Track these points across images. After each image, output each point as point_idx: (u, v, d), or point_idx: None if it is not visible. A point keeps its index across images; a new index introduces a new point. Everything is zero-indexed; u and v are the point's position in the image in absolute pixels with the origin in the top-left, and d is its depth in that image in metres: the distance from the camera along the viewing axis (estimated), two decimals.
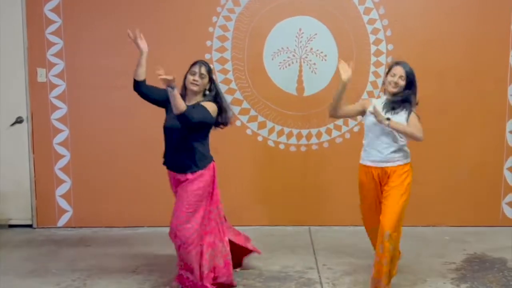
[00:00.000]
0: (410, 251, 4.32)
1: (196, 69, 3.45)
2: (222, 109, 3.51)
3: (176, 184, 3.53)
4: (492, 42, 4.80)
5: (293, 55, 4.84)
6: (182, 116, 3.21)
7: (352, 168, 4.94)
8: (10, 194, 4.99)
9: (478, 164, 4.91)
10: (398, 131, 3.39)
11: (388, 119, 3.35)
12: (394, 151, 3.47)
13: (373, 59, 4.84)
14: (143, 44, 3.48)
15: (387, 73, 3.54)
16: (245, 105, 4.90)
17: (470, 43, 4.81)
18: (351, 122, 4.89)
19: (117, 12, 4.84)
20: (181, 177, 3.46)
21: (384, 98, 3.56)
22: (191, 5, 4.82)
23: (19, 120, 4.93)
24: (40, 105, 4.90)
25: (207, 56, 4.84)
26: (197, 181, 3.44)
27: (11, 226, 5.03)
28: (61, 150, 4.94)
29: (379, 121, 3.35)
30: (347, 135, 4.91)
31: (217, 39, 4.85)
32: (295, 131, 4.92)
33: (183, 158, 3.44)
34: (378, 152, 3.48)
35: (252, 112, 4.91)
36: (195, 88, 3.43)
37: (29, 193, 4.99)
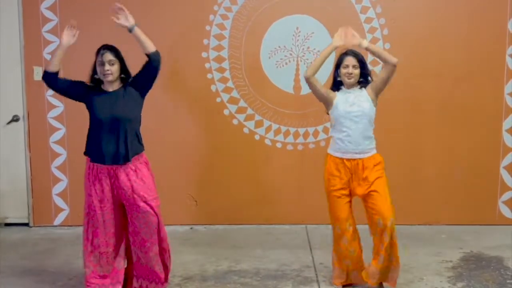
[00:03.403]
0: (407, 249, 4.33)
1: (103, 58, 3.23)
2: None
3: (111, 180, 3.27)
4: (489, 41, 4.80)
5: (290, 54, 4.84)
6: (155, 56, 3.21)
7: None
8: (6, 192, 4.98)
9: (474, 163, 4.91)
10: (374, 52, 3.49)
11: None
12: (368, 141, 3.47)
13: (370, 57, 4.83)
14: (66, 38, 3.30)
15: (337, 66, 3.49)
16: (242, 103, 4.90)
17: (467, 42, 4.81)
18: None
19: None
20: (125, 167, 3.24)
21: (347, 89, 3.49)
22: (188, 3, 4.81)
23: (15, 119, 4.92)
24: (37, 104, 4.89)
25: (204, 55, 4.84)
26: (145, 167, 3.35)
27: (7, 224, 5.02)
28: (57, 148, 4.93)
29: (358, 44, 3.40)
30: None
31: (214, 37, 4.84)
32: (292, 130, 4.92)
33: (126, 145, 3.23)
34: (351, 143, 3.42)
35: (249, 111, 4.91)
36: (109, 78, 3.23)
37: (26, 192, 4.98)
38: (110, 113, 3.22)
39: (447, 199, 4.95)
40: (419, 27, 4.80)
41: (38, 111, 4.89)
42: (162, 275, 3.39)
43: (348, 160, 3.44)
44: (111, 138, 3.22)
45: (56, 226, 5.00)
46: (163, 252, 3.40)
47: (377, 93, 3.53)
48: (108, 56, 3.24)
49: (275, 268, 3.95)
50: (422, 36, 4.80)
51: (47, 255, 4.27)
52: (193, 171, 4.98)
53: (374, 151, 3.51)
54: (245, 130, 4.93)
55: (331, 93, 3.51)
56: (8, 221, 5.04)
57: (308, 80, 3.46)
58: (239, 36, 4.84)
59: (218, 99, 4.89)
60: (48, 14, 4.81)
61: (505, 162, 4.92)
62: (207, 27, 4.83)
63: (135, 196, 3.23)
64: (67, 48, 3.30)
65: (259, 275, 3.81)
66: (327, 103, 3.52)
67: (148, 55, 3.24)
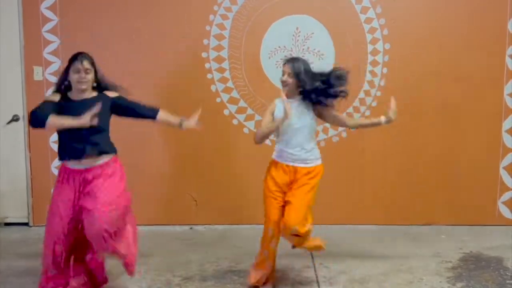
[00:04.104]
0: (406, 249, 4.34)
1: (79, 65, 3.17)
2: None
3: (81, 183, 3.24)
4: (489, 42, 4.81)
5: (290, 54, 4.83)
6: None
7: (349, 167, 4.97)
8: (6, 192, 4.98)
9: (474, 163, 4.92)
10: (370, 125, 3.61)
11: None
12: (309, 153, 3.48)
13: (370, 58, 4.84)
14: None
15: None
16: (242, 104, 4.90)
17: (467, 43, 4.82)
18: None
19: (113, 10, 4.83)
20: (94, 170, 3.23)
21: (289, 100, 3.44)
22: (188, 3, 4.81)
23: (15, 118, 4.92)
24: (37, 103, 4.83)
25: (204, 55, 4.84)
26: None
27: (7, 224, 5.02)
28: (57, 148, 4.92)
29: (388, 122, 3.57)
30: (344, 134, 4.91)
31: (214, 37, 4.84)
32: None
33: (96, 148, 3.23)
34: (290, 154, 3.46)
35: (249, 111, 4.91)
36: (84, 86, 3.19)
37: (25, 191, 4.99)
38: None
39: (446, 200, 4.96)
40: (419, 27, 4.81)
41: None
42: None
43: (287, 166, 3.48)
44: (79, 141, 3.18)
45: None
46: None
47: (319, 117, 3.55)
48: (85, 64, 3.19)
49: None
50: (422, 36, 4.81)
51: None
52: (193, 171, 4.98)
53: (317, 162, 3.53)
54: (245, 130, 4.93)
55: (272, 109, 3.51)
56: (8, 220, 5.04)
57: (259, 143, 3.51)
58: (239, 36, 4.84)
59: (218, 99, 4.90)
60: (48, 14, 4.81)
61: (504, 162, 4.93)
62: (207, 27, 4.83)
63: (91, 197, 3.18)
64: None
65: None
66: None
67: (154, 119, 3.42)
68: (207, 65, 4.86)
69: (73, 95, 3.27)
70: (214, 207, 5.02)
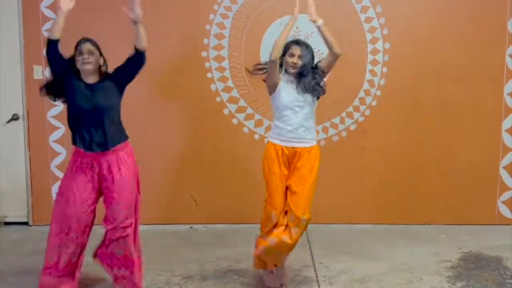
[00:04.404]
0: (406, 249, 4.34)
1: (82, 47, 3.22)
2: None
3: (99, 168, 3.27)
4: (489, 41, 4.81)
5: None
6: (142, 54, 3.19)
7: (349, 166, 4.97)
8: (5, 191, 4.98)
9: (474, 163, 4.92)
10: (324, 35, 3.44)
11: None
12: (307, 131, 3.44)
13: (370, 57, 4.84)
14: (65, 4, 3.20)
15: (284, 54, 3.43)
16: (242, 103, 4.90)
17: (467, 42, 4.82)
18: (348, 121, 4.89)
19: (114, 10, 4.80)
20: (108, 155, 3.25)
21: (290, 76, 3.44)
22: (188, 2, 4.81)
23: (15, 117, 4.92)
24: (36, 102, 4.88)
25: (203, 54, 4.84)
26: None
27: (6, 223, 5.02)
28: (57, 147, 4.93)
29: (313, 21, 3.42)
30: (344, 133, 4.91)
31: (214, 36, 4.84)
32: None
33: (108, 133, 3.25)
34: (290, 132, 3.40)
35: (249, 110, 4.91)
36: (89, 67, 3.21)
37: (25, 191, 4.98)
38: (90, 102, 3.20)
39: (446, 199, 4.96)
40: (419, 26, 4.80)
41: (38, 110, 4.89)
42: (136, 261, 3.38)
43: (286, 148, 3.43)
44: (91, 126, 3.22)
45: None
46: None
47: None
48: (87, 46, 3.24)
49: None
50: (422, 36, 4.80)
51: None
52: (193, 171, 4.98)
53: (313, 143, 3.49)
54: (245, 130, 4.93)
55: (275, 82, 3.45)
56: (8, 220, 5.04)
57: (274, 62, 3.37)
58: (239, 35, 4.83)
59: (218, 99, 4.90)
60: (48, 13, 4.80)
61: (504, 162, 4.93)
62: (207, 26, 4.83)
63: (114, 187, 3.24)
64: (67, 14, 3.24)
65: (259, 275, 3.81)
66: (273, 87, 3.46)
67: (138, 50, 3.22)
68: (207, 64, 4.86)
69: (82, 77, 3.29)
70: (214, 207, 5.02)
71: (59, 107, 4.89)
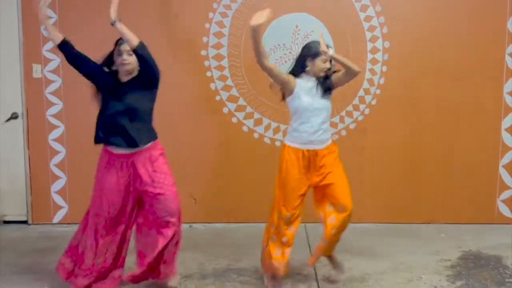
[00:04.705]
0: (405, 248, 4.34)
1: (121, 47, 3.24)
2: None
3: (129, 167, 3.30)
4: (488, 40, 4.80)
5: (290, 52, 4.83)
6: (137, 53, 3.15)
7: (349, 165, 4.94)
8: (5, 190, 4.98)
9: (473, 162, 4.92)
10: (339, 61, 3.36)
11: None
12: (326, 133, 3.47)
13: (370, 56, 4.84)
14: (41, 14, 3.30)
15: (313, 57, 3.41)
16: (241, 102, 4.89)
17: (467, 41, 4.81)
18: (347, 119, 4.89)
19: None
20: (141, 154, 3.29)
21: (310, 79, 3.44)
22: (187, 1, 4.80)
23: (14, 116, 4.91)
24: (36, 101, 4.88)
25: (203, 53, 4.83)
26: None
27: (6, 222, 5.01)
28: (56, 146, 4.93)
29: (324, 52, 3.33)
30: (343, 132, 4.91)
31: (214, 35, 4.83)
32: None
33: (138, 132, 3.29)
34: (310, 135, 3.41)
35: (248, 109, 4.91)
36: (128, 67, 3.24)
37: (24, 189, 4.98)
38: (123, 101, 3.22)
39: (446, 198, 4.96)
40: (419, 25, 4.80)
41: (37, 108, 4.88)
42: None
43: (307, 151, 3.43)
44: (123, 125, 3.23)
45: (55, 224, 4.99)
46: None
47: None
48: (126, 46, 3.23)
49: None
50: (421, 35, 4.80)
51: (46, 253, 4.26)
52: (192, 170, 4.97)
53: (330, 141, 3.52)
54: (244, 129, 4.93)
55: (292, 80, 3.44)
56: (7, 218, 5.03)
57: (263, 67, 3.37)
58: (238, 34, 4.83)
59: (218, 97, 4.89)
60: (48, 11, 4.78)
61: (504, 161, 4.92)
62: (207, 25, 4.82)
63: (155, 184, 3.28)
64: (47, 19, 3.33)
65: (258, 273, 3.81)
66: (287, 91, 3.46)
67: (134, 51, 3.19)
68: (206, 63, 4.86)
69: (120, 77, 3.31)
70: (213, 206, 5.02)
71: (59, 105, 4.89)
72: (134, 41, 3.14)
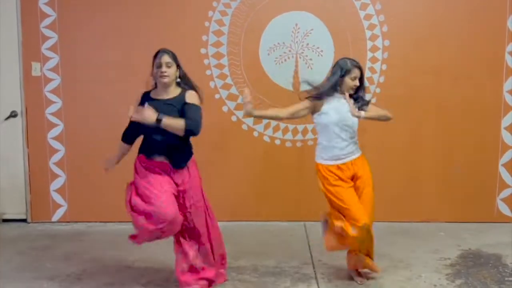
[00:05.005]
0: (405, 246, 4.33)
1: (160, 60, 3.25)
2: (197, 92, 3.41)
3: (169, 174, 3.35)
4: (488, 39, 4.80)
5: (289, 51, 4.83)
6: (188, 132, 3.21)
7: None
8: (4, 188, 4.97)
9: (473, 160, 4.92)
10: (372, 118, 3.47)
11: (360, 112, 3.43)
12: (355, 146, 3.55)
13: (370, 54, 4.84)
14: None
15: (343, 75, 3.45)
16: (241, 100, 4.88)
17: (466, 40, 4.81)
18: None
19: (112, 6, 4.82)
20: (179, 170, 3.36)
21: (339, 97, 3.49)
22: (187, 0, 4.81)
23: (13, 114, 4.91)
24: (35, 99, 4.88)
25: (202, 51, 4.83)
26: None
27: (5, 220, 5.02)
28: (55, 144, 4.92)
29: (357, 117, 3.39)
30: None
31: (213, 33, 4.83)
32: (290, 127, 4.91)
33: (181, 153, 3.37)
34: (342, 150, 3.47)
35: None
36: (166, 80, 3.25)
37: (24, 188, 4.98)
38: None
39: (445, 197, 4.96)
40: (419, 24, 4.80)
41: (36, 107, 4.88)
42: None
43: (344, 164, 3.49)
44: (164, 145, 3.27)
45: (54, 222, 4.99)
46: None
47: None
48: (166, 58, 3.25)
49: (273, 265, 3.95)
50: (421, 33, 4.80)
51: (45, 251, 4.26)
52: None
53: (360, 152, 3.59)
54: (244, 127, 4.92)
55: (316, 103, 3.48)
56: (6, 217, 5.03)
57: (287, 119, 3.60)
58: (238, 32, 4.82)
59: (217, 96, 4.89)
60: (47, 9, 4.79)
61: (503, 159, 4.92)
62: (206, 23, 4.81)
63: (186, 195, 3.35)
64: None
65: (257, 272, 3.81)
66: (315, 110, 3.51)
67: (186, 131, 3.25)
68: (205, 61, 4.85)
69: (157, 93, 3.32)
70: (212, 204, 4.98)
71: (58, 104, 4.88)
72: (181, 129, 3.19)
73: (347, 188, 3.48)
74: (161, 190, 3.21)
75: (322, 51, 4.82)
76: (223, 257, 3.62)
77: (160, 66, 3.25)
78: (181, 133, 3.19)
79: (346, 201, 3.44)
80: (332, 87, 3.48)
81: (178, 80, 3.35)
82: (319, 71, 4.82)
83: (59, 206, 5.00)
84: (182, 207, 3.35)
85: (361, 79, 3.49)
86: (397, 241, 4.47)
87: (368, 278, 3.66)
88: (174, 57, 3.32)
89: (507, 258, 4.06)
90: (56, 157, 4.94)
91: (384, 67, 4.83)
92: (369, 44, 4.82)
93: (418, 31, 4.80)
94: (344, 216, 3.44)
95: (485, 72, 4.83)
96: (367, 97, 3.64)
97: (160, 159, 3.31)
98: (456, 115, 4.89)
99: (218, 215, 5.00)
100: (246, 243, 4.42)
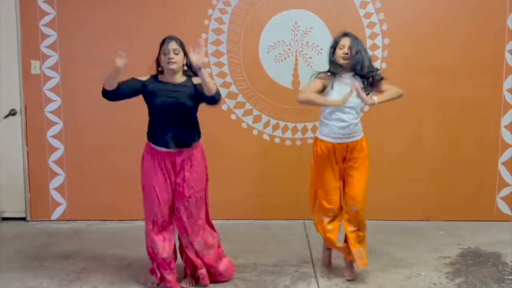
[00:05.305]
0: (405, 245, 4.33)
1: (168, 46, 3.25)
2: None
3: (172, 165, 3.38)
4: (488, 38, 4.79)
5: (289, 49, 4.82)
6: (213, 97, 3.21)
7: None
8: (3, 186, 4.96)
9: (473, 159, 4.91)
10: (386, 100, 3.44)
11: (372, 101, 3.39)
12: (357, 127, 3.54)
13: (369, 53, 4.81)
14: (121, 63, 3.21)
15: (334, 46, 3.48)
16: (240, 98, 4.88)
17: (466, 38, 4.80)
18: None
19: (111, 4, 4.80)
20: (184, 152, 3.37)
21: (347, 76, 3.48)
22: None
23: (12, 113, 4.90)
24: (34, 98, 4.87)
25: None
26: (200, 153, 3.49)
27: (4, 219, 5.01)
28: (55, 142, 4.92)
29: (369, 105, 3.39)
30: None
31: (213, 32, 4.82)
32: (290, 125, 4.90)
33: (189, 131, 3.39)
34: (342, 129, 3.48)
35: (248, 106, 4.89)
36: (173, 67, 3.24)
37: (23, 186, 4.97)
38: (171, 100, 3.26)
39: (445, 195, 4.95)
40: (419, 22, 4.79)
41: (36, 105, 4.87)
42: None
43: (338, 144, 3.50)
44: (173, 125, 3.29)
45: (53, 220, 4.99)
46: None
47: None
48: (173, 45, 3.25)
49: (273, 263, 3.94)
50: (421, 32, 4.79)
51: (44, 249, 4.26)
52: None
53: (362, 134, 3.59)
54: (244, 125, 4.92)
55: (326, 81, 3.47)
56: (5, 215, 5.02)
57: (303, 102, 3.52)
58: (237, 30, 4.81)
59: None
60: (46, 7, 4.78)
61: (503, 158, 4.92)
62: (206, 21, 4.80)
63: (185, 185, 3.36)
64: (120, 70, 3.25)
65: (257, 270, 3.81)
66: (321, 91, 3.50)
67: (211, 97, 3.25)
68: (205, 60, 4.84)
69: (166, 78, 3.33)
70: (212, 202, 4.98)
71: (57, 102, 4.88)
72: (213, 89, 3.19)
73: (333, 169, 3.52)
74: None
75: (321, 49, 4.80)
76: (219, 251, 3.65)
77: (167, 52, 3.25)
78: (212, 91, 3.17)
79: (325, 182, 3.54)
80: (330, 61, 3.51)
81: (185, 68, 3.35)
82: (318, 70, 4.82)
83: (59, 204, 4.99)
84: (180, 195, 3.38)
85: (358, 52, 3.41)
86: (396, 240, 4.47)
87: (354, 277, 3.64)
88: (182, 45, 3.31)
89: (506, 256, 4.06)
90: (56, 155, 4.93)
91: (384, 65, 4.82)
92: (369, 42, 4.81)
93: (418, 30, 4.79)
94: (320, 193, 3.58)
95: (485, 70, 4.82)
96: (379, 74, 3.55)
97: (164, 147, 3.33)
98: (456, 113, 4.88)
99: (217, 213, 5.00)
100: (245, 242, 4.42)
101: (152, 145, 3.37)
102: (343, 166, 3.55)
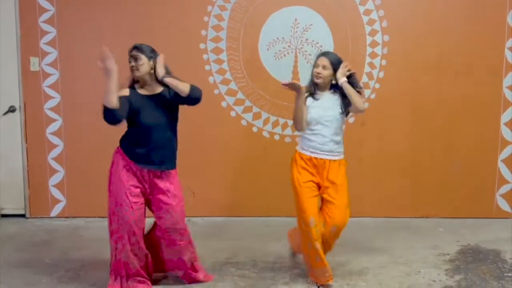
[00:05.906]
0: (404, 242, 4.33)
1: (132, 53, 3.20)
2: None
3: (150, 184, 3.34)
4: (488, 35, 4.79)
5: (289, 46, 4.81)
6: (189, 97, 3.21)
7: (347, 160, 4.94)
8: (3, 183, 4.96)
9: (473, 156, 4.91)
10: (349, 95, 3.40)
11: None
12: (337, 145, 3.53)
13: (369, 50, 4.82)
14: (112, 65, 2.97)
15: (314, 66, 3.53)
16: (240, 95, 4.88)
17: (466, 35, 4.80)
18: None
19: (111, 1, 4.80)
20: (163, 174, 3.37)
21: (323, 92, 3.53)
22: None
23: (11, 109, 4.90)
24: (33, 94, 4.86)
25: (201, 46, 4.81)
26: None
27: (3, 216, 5.01)
28: (54, 139, 4.91)
29: (338, 78, 3.41)
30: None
31: (212, 28, 4.81)
32: (290, 122, 4.90)
33: (167, 153, 3.38)
34: (321, 144, 3.48)
35: (247, 103, 4.89)
36: (136, 74, 3.19)
37: (22, 183, 4.97)
38: (152, 119, 3.23)
39: (445, 192, 4.96)
40: (418, 19, 4.78)
41: (35, 102, 4.87)
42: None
43: (315, 158, 3.50)
44: (155, 145, 3.29)
45: (52, 217, 4.99)
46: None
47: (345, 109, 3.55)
48: (133, 52, 3.20)
49: (272, 260, 3.94)
50: (421, 29, 4.79)
51: (44, 246, 4.25)
52: (191, 163, 4.95)
53: (342, 156, 3.58)
54: (243, 122, 4.91)
55: (306, 97, 3.53)
56: (5, 212, 5.02)
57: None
58: (237, 27, 4.81)
59: (216, 91, 4.87)
60: (45, 4, 4.77)
61: (503, 155, 4.92)
62: (205, 18, 4.80)
63: (169, 194, 3.35)
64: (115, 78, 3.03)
65: (256, 267, 3.81)
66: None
67: (187, 97, 3.25)
68: (205, 57, 4.84)
69: (143, 90, 3.29)
70: (211, 199, 5.01)
71: (56, 99, 4.87)
72: (186, 88, 3.20)
73: (311, 183, 3.51)
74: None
75: (321, 46, 4.80)
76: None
77: (130, 61, 3.21)
78: (186, 92, 3.17)
79: (301, 195, 3.52)
80: (310, 80, 3.55)
81: (152, 71, 3.25)
82: None
83: (58, 201, 4.99)
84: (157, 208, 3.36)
85: (336, 67, 3.44)
86: (396, 237, 4.47)
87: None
88: (142, 50, 3.21)
89: (506, 253, 4.06)
90: (55, 152, 4.93)
91: (383, 62, 4.82)
92: (369, 39, 4.81)
93: (418, 27, 4.78)
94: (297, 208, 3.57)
95: (485, 67, 4.82)
96: (361, 87, 3.61)
97: (142, 165, 3.28)
98: (455, 111, 4.88)
99: (217, 210, 5.03)
100: (245, 239, 4.42)
101: (129, 159, 3.29)
102: (322, 185, 3.52)
